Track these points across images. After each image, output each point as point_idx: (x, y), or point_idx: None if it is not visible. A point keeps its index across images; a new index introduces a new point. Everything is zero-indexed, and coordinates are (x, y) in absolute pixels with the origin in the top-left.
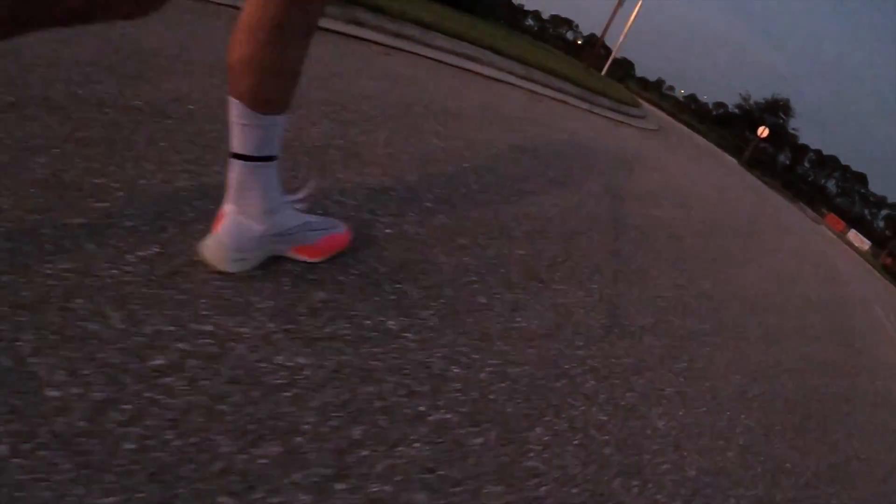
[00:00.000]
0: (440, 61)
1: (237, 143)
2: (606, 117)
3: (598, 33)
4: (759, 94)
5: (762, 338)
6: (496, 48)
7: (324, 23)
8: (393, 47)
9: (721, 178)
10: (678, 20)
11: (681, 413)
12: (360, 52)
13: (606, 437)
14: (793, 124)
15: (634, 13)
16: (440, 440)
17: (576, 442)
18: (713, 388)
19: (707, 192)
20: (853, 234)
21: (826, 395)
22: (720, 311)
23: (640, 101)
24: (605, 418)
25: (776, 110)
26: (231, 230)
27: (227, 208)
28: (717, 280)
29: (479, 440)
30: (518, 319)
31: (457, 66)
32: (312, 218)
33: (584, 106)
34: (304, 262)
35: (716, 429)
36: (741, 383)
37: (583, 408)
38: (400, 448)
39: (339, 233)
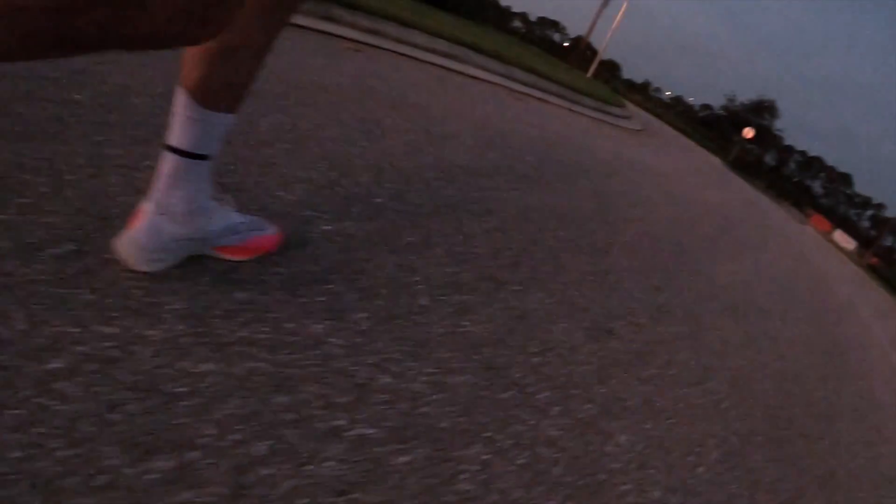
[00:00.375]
0: (414, 58)
1: (176, 135)
2: (588, 116)
3: (585, 35)
4: (745, 96)
5: (743, 342)
6: (475, 46)
7: (295, 19)
8: (366, 44)
9: (702, 176)
10: (665, 23)
11: (647, 426)
12: (330, 48)
13: (558, 455)
14: (778, 125)
15: (620, 15)
16: (357, 459)
17: (521, 461)
18: (686, 396)
19: (688, 189)
20: (839, 234)
21: (809, 402)
22: (697, 313)
23: (625, 101)
24: (557, 433)
25: (762, 111)
26: (147, 230)
27: (147, 207)
28: (694, 281)
29: (405, 459)
30: (464, 324)
31: (432, 63)
32: (240, 218)
33: (565, 105)
34: (228, 261)
35: (686, 442)
36: (716, 391)
37: (532, 422)
38: (309, 467)
39: (268, 234)
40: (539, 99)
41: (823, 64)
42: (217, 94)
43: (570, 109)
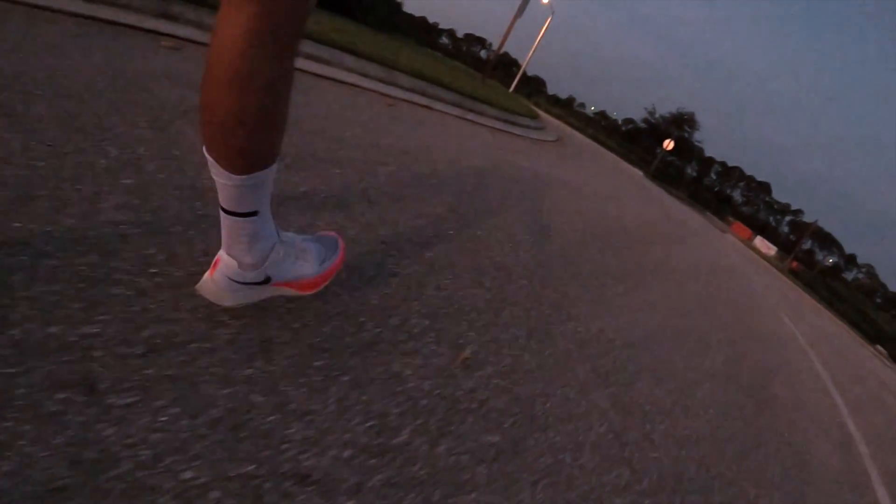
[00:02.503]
0: None
1: (220, 196)
2: (488, 126)
3: (512, 52)
4: (666, 109)
5: (651, 375)
6: (354, 50)
7: (121, 16)
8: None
9: (618, 186)
10: (591, 41)
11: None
12: (147, 48)
13: None
14: (698, 137)
15: (543, 31)
16: None
17: None
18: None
19: (601, 202)
20: (760, 241)
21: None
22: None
23: (543, 113)
24: None
25: (681, 123)
26: (223, 277)
27: (221, 255)
28: (599, 304)
29: None
30: None
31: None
32: (312, 248)
33: (456, 112)
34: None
35: None
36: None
37: None
38: None
39: (336, 258)
40: (425, 106)
41: (741, 78)
42: (246, 160)
43: (462, 117)
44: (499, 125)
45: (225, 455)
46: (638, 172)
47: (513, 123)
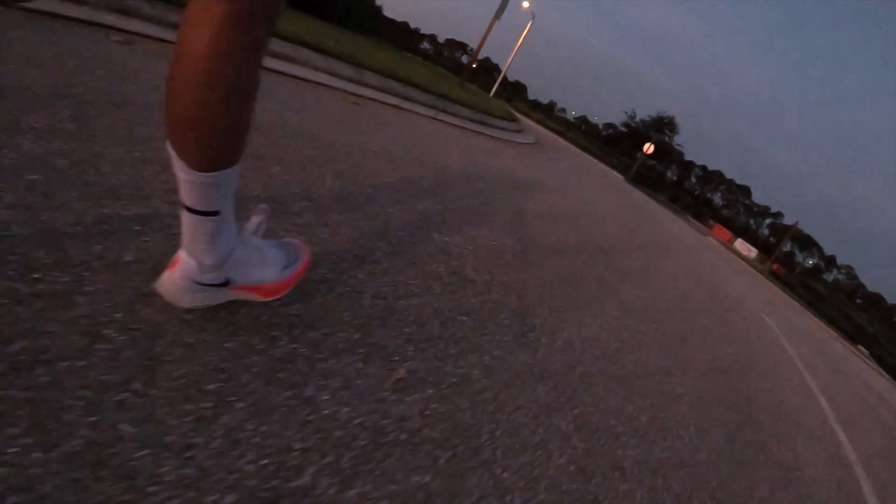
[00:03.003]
0: None
1: (182, 192)
2: (460, 126)
3: (494, 57)
4: (647, 114)
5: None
6: (325, 49)
7: (70, 10)
8: (164, 40)
9: (593, 186)
10: (572, 47)
11: None
12: (96, 42)
13: None
14: (678, 140)
15: (523, 36)
16: None
17: None
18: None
19: (574, 203)
20: (740, 243)
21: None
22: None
23: (523, 117)
24: None
25: (662, 127)
26: (182, 276)
27: (181, 254)
28: (563, 309)
29: None
30: None
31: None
32: (274, 253)
33: (428, 113)
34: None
35: None
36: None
37: None
38: None
39: (300, 263)
40: (394, 106)
41: (721, 82)
42: (212, 157)
43: (435, 118)
44: (473, 126)
45: (76, 498)
46: (618, 176)
47: (488, 125)
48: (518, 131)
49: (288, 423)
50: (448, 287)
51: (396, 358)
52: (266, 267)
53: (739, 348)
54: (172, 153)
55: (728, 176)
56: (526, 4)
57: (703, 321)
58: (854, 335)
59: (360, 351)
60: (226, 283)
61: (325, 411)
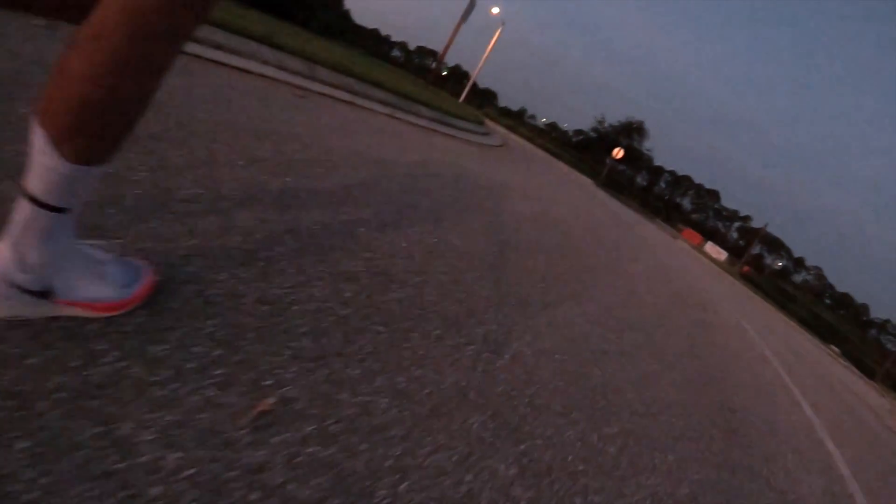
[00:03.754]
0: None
1: (31, 177)
2: (419, 125)
3: (464, 65)
4: (616, 119)
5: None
6: (276, 43)
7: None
8: None
9: (561, 190)
10: (541, 54)
11: None
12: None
13: None
14: (647, 146)
15: (493, 41)
16: None
17: None
18: None
19: (535, 205)
20: (710, 247)
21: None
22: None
23: (494, 124)
24: None
25: (631, 132)
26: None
27: (2, 246)
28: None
29: None
30: None
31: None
32: (110, 268)
33: (385, 111)
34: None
35: None
36: None
37: None
38: None
39: (141, 285)
40: (348, 102)
41: (689, 90)
42: (82, 143)
43: (391, 116)
44: (434, 126)
45: None
46: (588, 181)
47: (450, 125)
48: (485, 133)
49: (81, 474)
50: (365, 290)
51: (269, 382)
52: (101, 283)
53: (717, 357)
54: (39, 130)
55: (697, 181)
56: (496, 10)
57: (676, 323)
58: (827, 336)
59: (219, 373)
60: (46, 294)
61: (143, 457)
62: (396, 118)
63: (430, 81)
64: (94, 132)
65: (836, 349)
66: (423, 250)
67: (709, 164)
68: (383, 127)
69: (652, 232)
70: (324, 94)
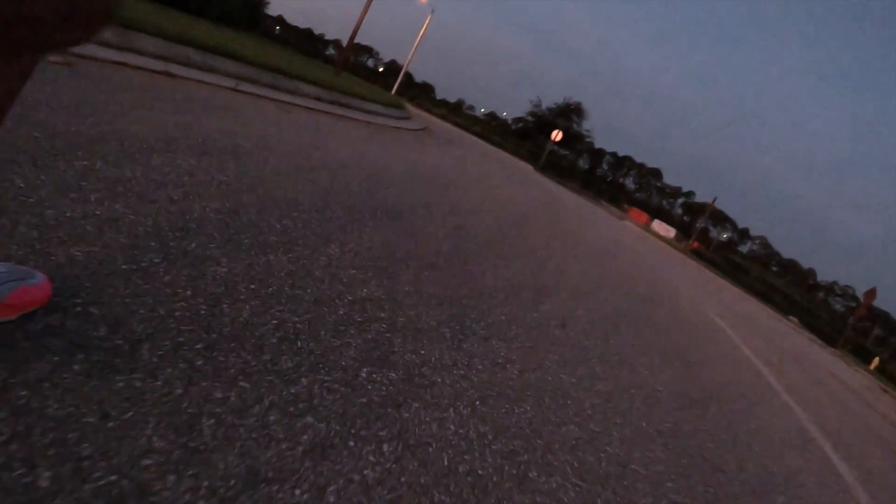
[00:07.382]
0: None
1: None
2: (325, 111)
3: (400, 60)
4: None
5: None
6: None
7: None
8: None
9: (498, 176)
10: (473, 42)
11: None
12: None
13: None
14: (586, 127)
15: (423, 30)
16: None
17: None
18: None
19: (474, 194)
20: (658, 224)
21: None
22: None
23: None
24: None
25: (569, 114)
26: None
27: None
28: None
29: None
30: None
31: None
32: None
33: (286, 98)
34: None
35: None
36: None
37: None
38: None
39: (37, 284)
40: (214, 84)
41: (625, 68)
42: None
43: (283, 100)
44: (343, 111)
45: None
46: (527, 166)
47: (362, 110)
48: (404, 118)
49: None
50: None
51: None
52: None
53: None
54: None
55: (638, 160)
56: None
57: (635, 316)
58: (785, 307)
59: None
60: None
61: None
62: (298, 105)
63: (338, 66)
64: None
65: (794, 319)
66: (310, 243)
67: (650, 143)
68: (280, 116)
69: (593, 212)
70: (201, 81)
